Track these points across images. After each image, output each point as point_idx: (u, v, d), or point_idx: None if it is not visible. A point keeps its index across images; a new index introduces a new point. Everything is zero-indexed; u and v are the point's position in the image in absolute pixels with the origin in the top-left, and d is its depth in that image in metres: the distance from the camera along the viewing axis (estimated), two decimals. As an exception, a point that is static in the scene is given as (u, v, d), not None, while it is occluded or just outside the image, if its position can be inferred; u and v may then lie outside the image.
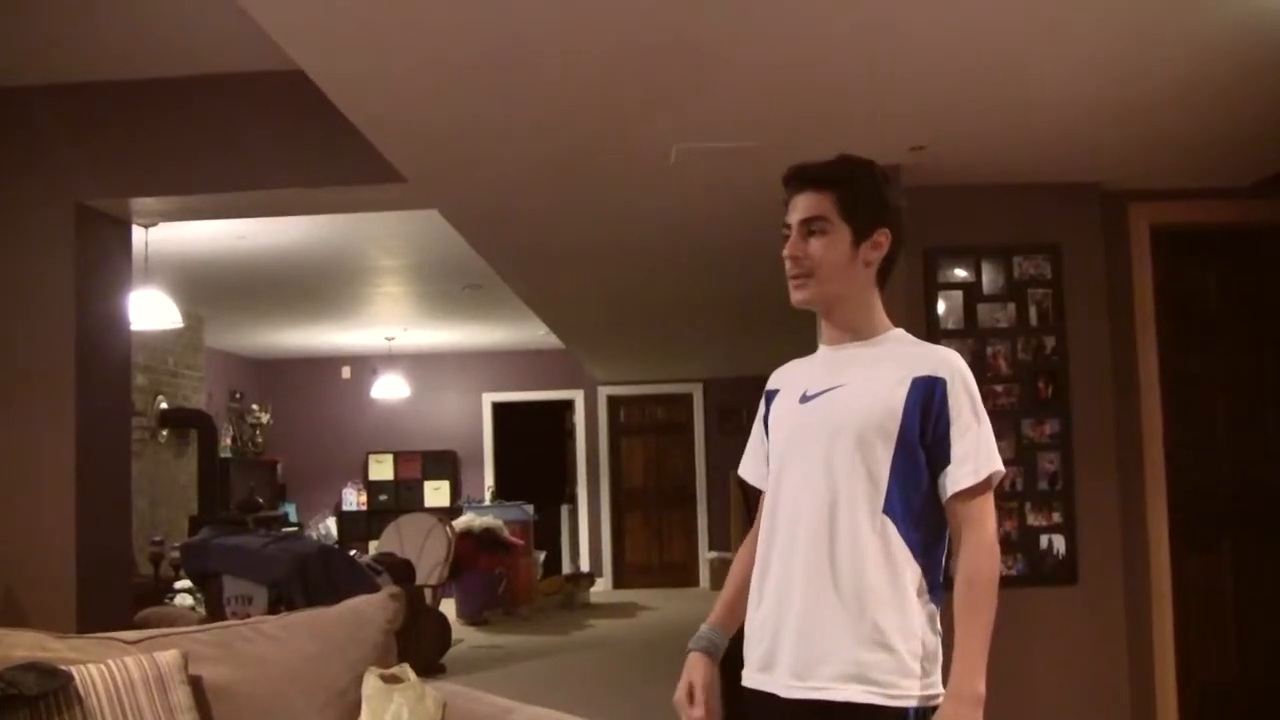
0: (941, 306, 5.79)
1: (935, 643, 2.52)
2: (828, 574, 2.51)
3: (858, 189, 2.63)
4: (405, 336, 14.49)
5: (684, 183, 5.83)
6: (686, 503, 16.02)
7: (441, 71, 4.30)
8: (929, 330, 5.67)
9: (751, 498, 2.90)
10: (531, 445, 16.44)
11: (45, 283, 5.72)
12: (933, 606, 2.52)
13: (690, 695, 2.73)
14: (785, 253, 2.63)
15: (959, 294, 5.81)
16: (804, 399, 2.65)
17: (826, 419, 2.58)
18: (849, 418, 2.55)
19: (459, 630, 11.10)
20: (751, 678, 2.65)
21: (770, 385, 2.82)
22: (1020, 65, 4.34)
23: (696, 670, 2.76)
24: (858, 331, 2.66)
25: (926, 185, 5.54)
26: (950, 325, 5.78)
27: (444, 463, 16.07)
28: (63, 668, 3.22)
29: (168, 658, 3.38)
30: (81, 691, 3.19)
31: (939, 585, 2.53)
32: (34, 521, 5.62)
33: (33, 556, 5.60)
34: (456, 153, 5.30)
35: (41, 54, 5.44)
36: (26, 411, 5.68)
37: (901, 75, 4.41)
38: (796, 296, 2.65)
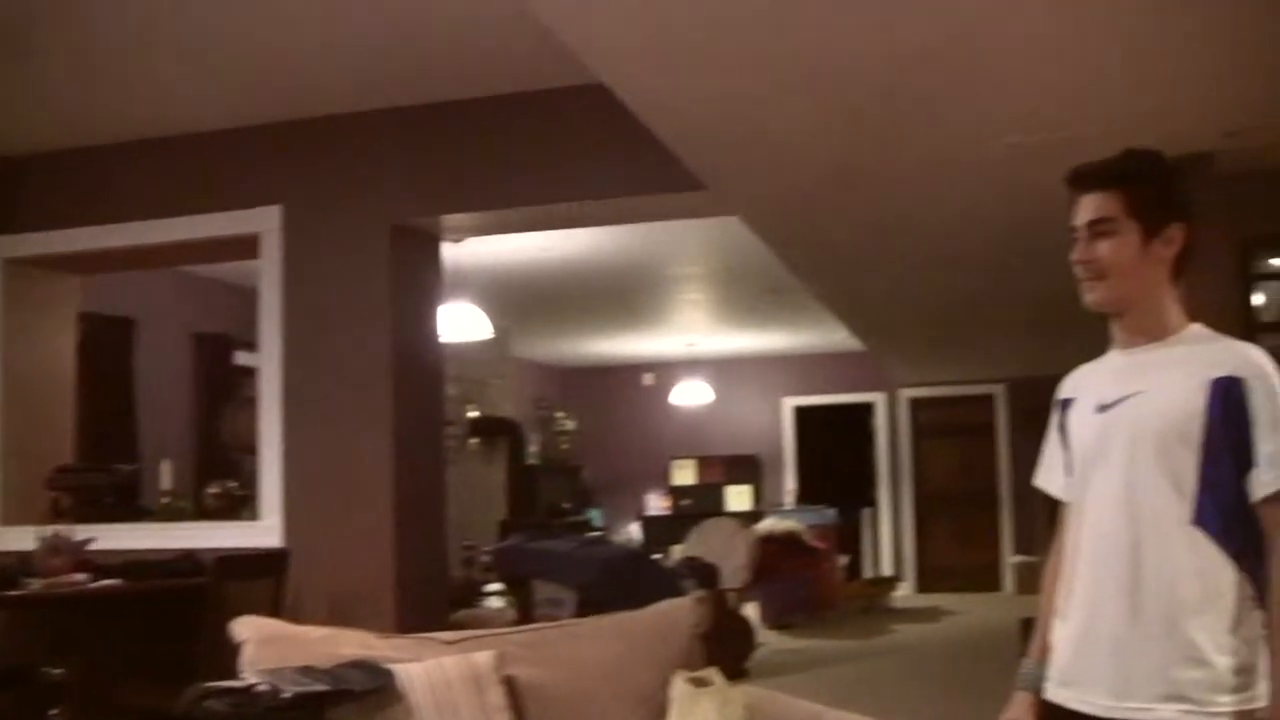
0: (1261, 298, 5.53)
1: (1255, 655, 2.39)
2: (1137, 590, 2.42)
3: (1144, 185, 2.54)
4: (706, 342, 14.59)
5: (985, 182, 5.71)
6: (990, 506, 15.58)
7: (740, 83, 4.34)
8: (1246, 324, 5.41)
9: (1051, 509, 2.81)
10: (833, 449, 16.34)
11: (365, 300, 6.00)
12: (1254, 616, 2.40)
13: None
14: (1073, 257, 2.57)
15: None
16: (1100, 409, 2.57)
17: (1125, 429, 2.50)
18: (1148, 427, 2.46)
19: (762, 634, 11.11)
20: (1056, 692, 2.57)
21: (1063, 393, 2.75)
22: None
23: (1023, 711, 2.65)
24: (1151, 332, 2.56)
25: (1242, 172, 5.28)
26: (1270, 318, 5.52)
27: (746, 467, 16.13)
28: (385, 666, 3.37)
29: (483, 658, 3.49)
30: (403, 688, 3.34)
31: (1257, 595, 2.40)
32: (358, 526, 5.90)
33: (357, 559, 5.87)
34: (756, 160, 5.33)
35: (356, 83, 5.72)
36: (351, 422, 5.97)
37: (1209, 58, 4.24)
38: (1088, 298, 2.58)
